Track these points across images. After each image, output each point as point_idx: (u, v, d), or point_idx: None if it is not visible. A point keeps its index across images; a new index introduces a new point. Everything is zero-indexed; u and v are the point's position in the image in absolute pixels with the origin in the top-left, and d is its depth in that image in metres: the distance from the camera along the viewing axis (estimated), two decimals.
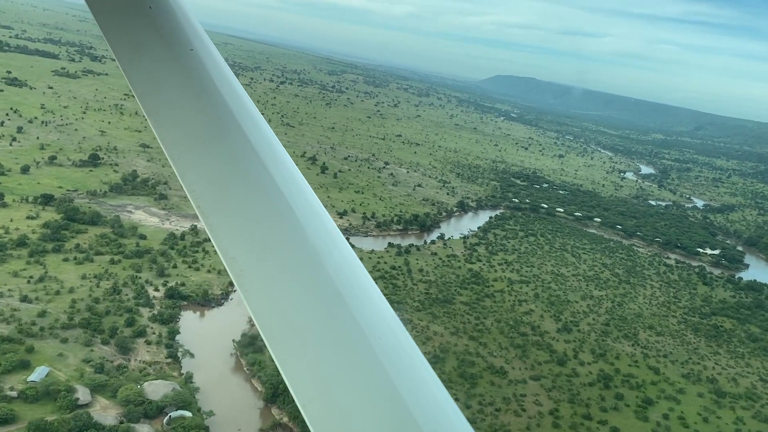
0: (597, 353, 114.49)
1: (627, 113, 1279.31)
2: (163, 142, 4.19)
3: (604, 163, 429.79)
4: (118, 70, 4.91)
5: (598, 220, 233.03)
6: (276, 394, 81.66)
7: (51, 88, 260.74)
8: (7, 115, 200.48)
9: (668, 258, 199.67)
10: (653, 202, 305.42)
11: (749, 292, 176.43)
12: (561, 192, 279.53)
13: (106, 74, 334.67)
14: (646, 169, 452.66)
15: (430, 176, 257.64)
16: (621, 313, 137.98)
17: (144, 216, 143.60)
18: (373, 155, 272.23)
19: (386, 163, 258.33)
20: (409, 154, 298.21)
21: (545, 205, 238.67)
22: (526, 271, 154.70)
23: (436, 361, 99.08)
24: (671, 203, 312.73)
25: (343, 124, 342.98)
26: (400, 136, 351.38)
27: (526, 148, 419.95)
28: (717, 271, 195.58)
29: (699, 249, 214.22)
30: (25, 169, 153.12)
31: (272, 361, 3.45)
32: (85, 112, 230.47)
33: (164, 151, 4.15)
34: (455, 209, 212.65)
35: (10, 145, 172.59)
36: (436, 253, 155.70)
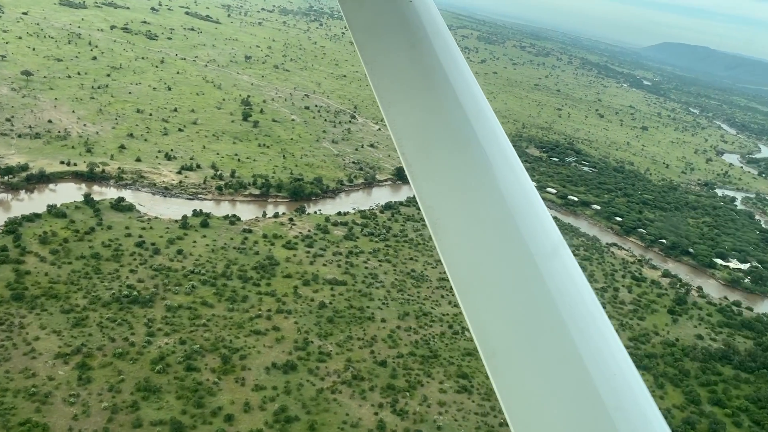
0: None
1: None
2: (376, 89, 4.20)
3: (706, 140, 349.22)
4: None
5: (597, 207, 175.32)
6: None
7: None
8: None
9: (656, 269, 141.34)
10: (720, 192, 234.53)
11: (746, 332, 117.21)
12: (585, 168, 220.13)
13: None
14: None
15: None
16: (425, 350, 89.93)
17: None
18: (354, 107, 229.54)
19: (353, 117, 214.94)
20: None
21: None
22: (363, 270, 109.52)
23: None
24: (753, 196, 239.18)
25: None
26: None
27: (602, 116, 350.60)
28: (722, 294, 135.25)
29: (718, 260, 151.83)
30: None
31: None
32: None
33: (377, 99, 4.16)
34: (390, 178, 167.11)
35: None
36: (250, 230, 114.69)
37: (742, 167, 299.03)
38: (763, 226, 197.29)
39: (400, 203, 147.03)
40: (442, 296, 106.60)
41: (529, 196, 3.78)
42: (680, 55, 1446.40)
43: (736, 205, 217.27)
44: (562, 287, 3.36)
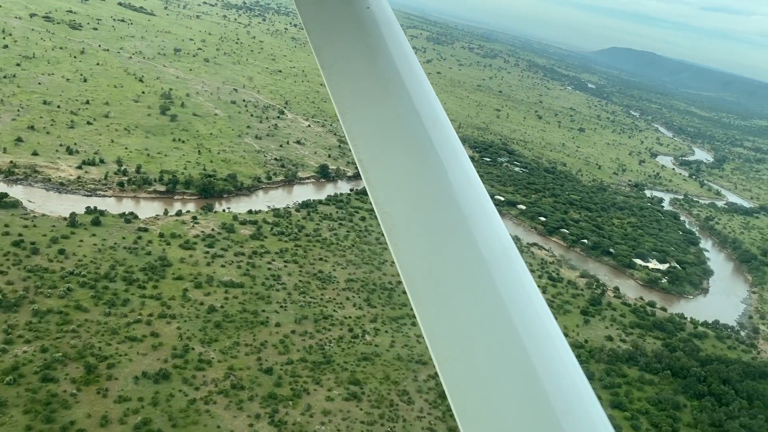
0: None
1: (744, 96, 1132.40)
2: (333, 95, 4.27)
3: (642, 142, 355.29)
4: None
5: (522, 207, 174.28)
6: None
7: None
8: None
9: (574, 270, 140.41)
10: (649, 193, 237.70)
11: (657, 332, 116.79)
12: (517, 169, 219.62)
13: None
14: (702, 155, 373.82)
15: (340, 132, 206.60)
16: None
17: None
18: (285, 103, 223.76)
19: (282, 113, 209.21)
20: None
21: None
22: (265, 271, 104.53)
23: None
24: (682, 197, 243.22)
25: (313, 70, 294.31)
26: None
27: (541, 117, 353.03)
28: (639, 295, 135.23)
29: (638, 260, 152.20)
30: None
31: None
32: None
33: (333, 104, 4.19)
34: (313, 176, 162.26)
35: None
36: (146, 229, 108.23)
37: (674, 169, 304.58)
38: (687, 226, 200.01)
39: (319, 201, 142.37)
40: (347, 298, 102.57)
41: (482, 201, 3.80)
42: (627, 60, 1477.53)
43: (663, 206, 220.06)
44: (513, 293, 3.41)
